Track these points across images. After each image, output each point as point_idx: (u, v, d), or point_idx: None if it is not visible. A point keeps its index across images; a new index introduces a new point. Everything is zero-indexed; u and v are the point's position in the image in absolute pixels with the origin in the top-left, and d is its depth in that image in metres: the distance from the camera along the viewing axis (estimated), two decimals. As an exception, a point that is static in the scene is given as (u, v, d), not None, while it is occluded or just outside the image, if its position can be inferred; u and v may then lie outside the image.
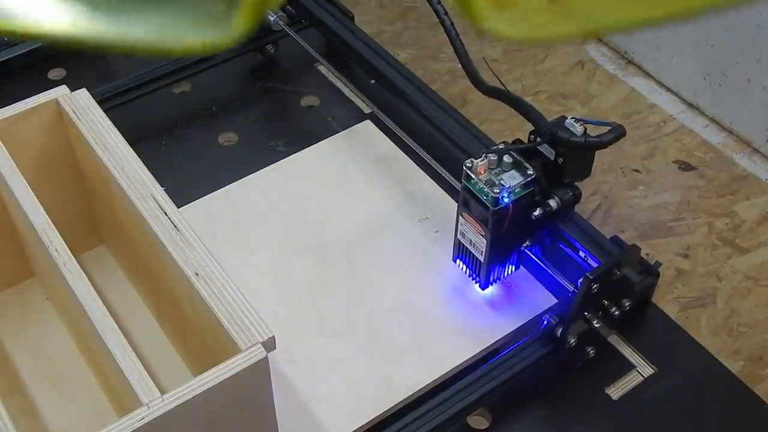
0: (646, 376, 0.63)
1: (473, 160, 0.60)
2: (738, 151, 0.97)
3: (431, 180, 0.75)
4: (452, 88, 1.02)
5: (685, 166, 0.95)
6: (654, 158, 0.96)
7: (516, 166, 0.60)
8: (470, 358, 0.63)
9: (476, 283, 0.66)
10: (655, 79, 1.05)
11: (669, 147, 0.97)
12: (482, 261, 0.63)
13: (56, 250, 0.54)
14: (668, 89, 1.04)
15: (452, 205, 0.72)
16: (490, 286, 0.65)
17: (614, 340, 0.65)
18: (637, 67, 1.07)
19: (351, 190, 0.75)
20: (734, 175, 0.94)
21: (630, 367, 0.64)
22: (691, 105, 1.02)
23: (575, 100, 1.03)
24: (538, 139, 0.61)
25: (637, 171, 0.94)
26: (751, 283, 0.84)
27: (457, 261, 0.66)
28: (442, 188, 0.74)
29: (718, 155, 0.96)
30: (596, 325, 0.61)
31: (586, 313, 0.60)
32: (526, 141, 0.62)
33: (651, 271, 0.65)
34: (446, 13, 0.66)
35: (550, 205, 0.61)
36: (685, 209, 0.90)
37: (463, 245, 0.64)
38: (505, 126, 0.97)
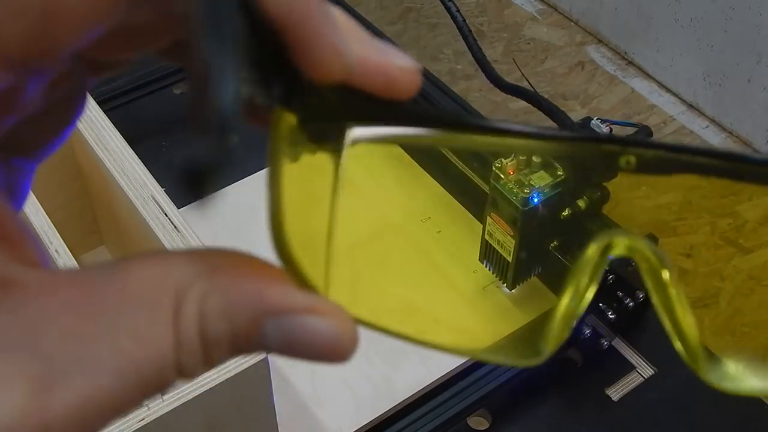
0: (646, 377, 0.63)
1: (502, 160, 0.60)
2: (739, 152, 0.97)
3: (434, 181, 0.75)
4: (453, 88, 1.02)
5: (686, 167, 0.95)
6: (655, 159, 0.96)
7: (545, 166, 0.60)
8: (471, 359, 0.63)
9: (503, 283, 0.66)
10: (655, 79, 1.05)
11: (670, 147, 0.97)
12: (510, 261, 0.63)
13: (56, 251, 0.54)
14: (668, 90, 1.04)
15: (455, 206, 0.72)
16: (517, 286, 0.66)
17: (615, 341, 0.65)
18: (638, 68, 1.07)
19: (352, 191, 0.75)
20: (735, 175, 0.94)
21: (630, 367, 0.64)
22: (691, 106, 1.02)
23: (575, 101, 1.02)
24: None
25: (638, 171, 0.94)
26: (753, 283, 0.83)
27: (484, 262, 0.66)
28: (445, 189, 0.74)
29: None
30: (611, 317, 0.62)
31: (600, 304, 0.61)
32: None
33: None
34: (458, 10, 0.66)
35: (578, 205, 0.61)
36: (687, 209, 0.90)
37: (491, 246, 0.64)
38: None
